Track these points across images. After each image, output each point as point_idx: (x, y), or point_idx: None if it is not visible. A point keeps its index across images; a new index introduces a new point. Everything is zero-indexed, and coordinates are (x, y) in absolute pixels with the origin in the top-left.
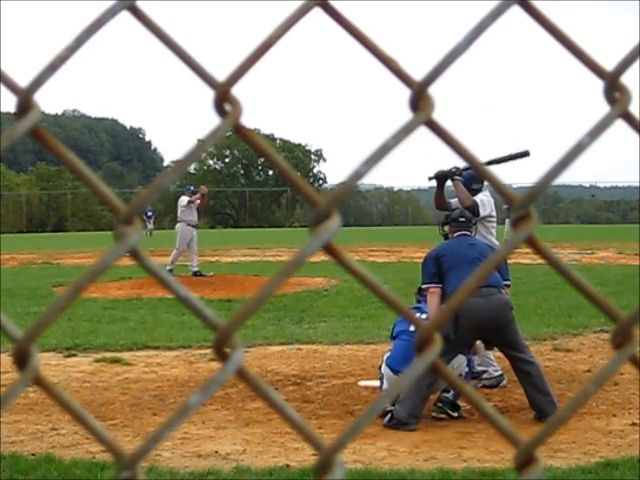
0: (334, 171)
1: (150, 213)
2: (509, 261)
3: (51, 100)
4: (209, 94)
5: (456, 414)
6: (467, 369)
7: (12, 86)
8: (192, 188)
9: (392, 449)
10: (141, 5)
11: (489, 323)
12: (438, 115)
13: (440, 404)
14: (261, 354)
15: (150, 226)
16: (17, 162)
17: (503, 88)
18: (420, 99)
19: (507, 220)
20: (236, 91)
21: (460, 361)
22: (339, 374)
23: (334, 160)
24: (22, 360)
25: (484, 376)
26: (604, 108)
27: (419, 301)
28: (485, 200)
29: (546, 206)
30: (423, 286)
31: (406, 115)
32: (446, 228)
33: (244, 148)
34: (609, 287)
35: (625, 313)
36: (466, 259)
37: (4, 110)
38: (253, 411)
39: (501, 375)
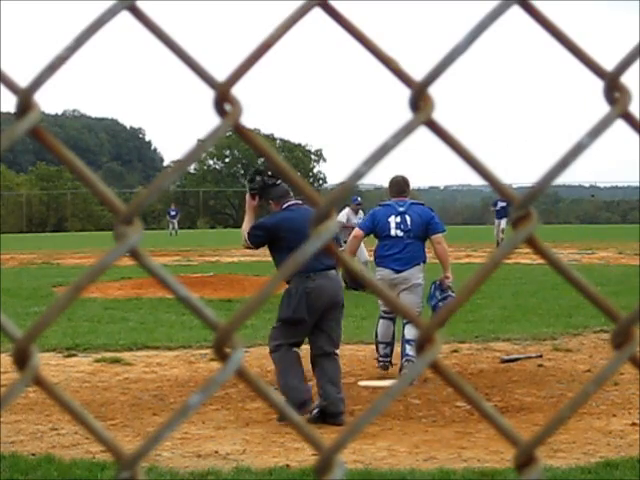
0: (334, 171)
1: (173, 212)
2: (509, 261)
3: (51, 100)
4: (209, 94)
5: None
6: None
7: (12, 86)
8: (359, 199)
9: (392, 449)
10: (141, 5)
11: (331, 301)
12: (438, 115)
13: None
14: (261, 354)
15: (175, 225)
16: (17, 162)
17: (503, 88)
18: (420, 99)
19: (497, 220)
20: (236, 91)
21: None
22: None
23: (334, 160)
24: (22, 360)
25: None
26: (604, 108)
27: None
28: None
29: (546, 206)
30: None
31: (406, 115)
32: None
33: (244, 148)
34: (609, 287)
35: (625, 313)
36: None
37: (4, 110)
38: (253, 411)
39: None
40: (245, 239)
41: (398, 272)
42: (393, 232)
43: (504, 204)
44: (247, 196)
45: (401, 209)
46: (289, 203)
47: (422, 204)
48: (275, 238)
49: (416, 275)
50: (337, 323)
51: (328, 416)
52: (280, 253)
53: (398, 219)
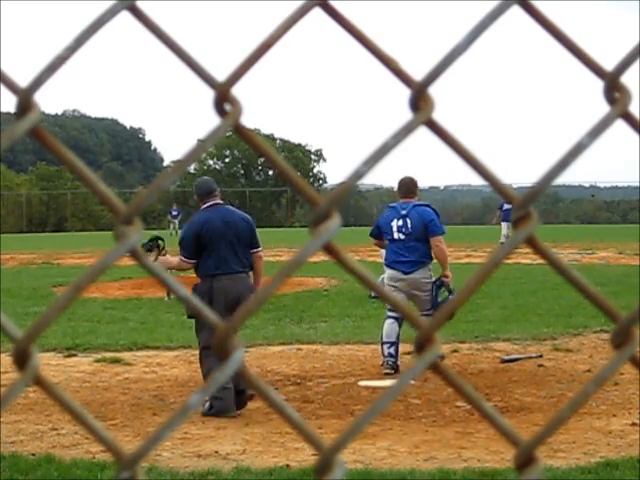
0: (334, 171)
1: (175, 213)
2: (509, 261)
3: (51, 100)
4: (209, 94)
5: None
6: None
7: (12, 86)
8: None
9: (392, 449)
10: (141, 5)
11: (237, 302)
12: (438, 115)
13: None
14: (261, 354)
15: (176, 226)
16: (17, 162)
17: (503, 88)
18: (420, 99)
19: (503, 223)
20: (236, 91)
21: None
22: (339, 374)
23: (334, 160)
24: (22, 360)
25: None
26: (604, 108)
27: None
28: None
29: (546, 206)
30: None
31: (406, 115)
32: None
33: (244, 148)
34: (609, 287)
35: (625, 313)
36: None
37: (4, 110)
38: (253, 411)
39: None
40: (183, 263)
41: (406, 274)
42: (396, 235)
43: (510, 206)
44: (160, 259)
45: (403, 212)
46: (209, 203)
47: (427, 205)
48: (199, 242)
49: (425, 275)
50: None
51: (240, 392)
52: (202, 254)
53: (400, 222)
